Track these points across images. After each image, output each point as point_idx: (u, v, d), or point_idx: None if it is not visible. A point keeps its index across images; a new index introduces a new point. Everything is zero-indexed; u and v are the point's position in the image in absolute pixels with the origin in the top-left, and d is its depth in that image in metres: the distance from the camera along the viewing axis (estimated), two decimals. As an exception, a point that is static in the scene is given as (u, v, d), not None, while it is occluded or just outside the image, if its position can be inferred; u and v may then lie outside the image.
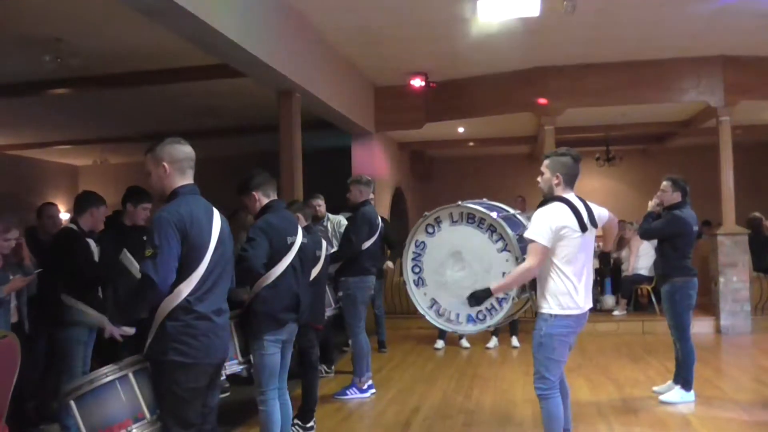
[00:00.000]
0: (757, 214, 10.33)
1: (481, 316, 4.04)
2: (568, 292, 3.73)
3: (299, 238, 4.29)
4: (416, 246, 4.25)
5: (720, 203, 9.51)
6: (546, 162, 3.91)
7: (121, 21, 6.57)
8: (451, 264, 4.01)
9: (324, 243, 5.60)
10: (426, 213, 4.29)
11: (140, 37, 7.06)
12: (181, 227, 2.98)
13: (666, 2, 7.27)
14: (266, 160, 7.46)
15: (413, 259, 4.27)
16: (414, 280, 4.28)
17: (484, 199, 4.40)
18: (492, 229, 3.97)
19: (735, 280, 9.24)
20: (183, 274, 2.99)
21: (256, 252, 3.94)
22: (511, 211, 4.48)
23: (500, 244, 3.92)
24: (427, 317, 4.23)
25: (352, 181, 6.40)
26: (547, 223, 3.68)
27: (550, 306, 3.76)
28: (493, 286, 3.77)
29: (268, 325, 4.05)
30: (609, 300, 10.17)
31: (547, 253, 3.68)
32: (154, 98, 10.10)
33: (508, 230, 3.93)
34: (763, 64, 9.47)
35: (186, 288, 2.99)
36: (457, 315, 4.10)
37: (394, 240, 8.12)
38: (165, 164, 3.12)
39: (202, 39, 5.55)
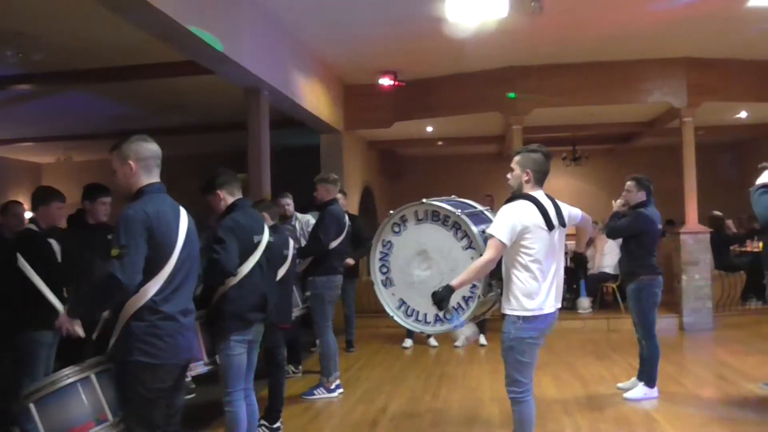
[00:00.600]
0: (718, 213, 10.53)
1: (448, 316, 4.00)
2: (535, 292, 3.64)
3: (266, 237, 4.27)
4: (383, 245, 4.19)
5: (683, 202, 9.66)
6: (516, 158, 3.84)
7: (85, 15, 6.45)
8: (417, 263, 3.97)
9: (291, 242, 5.59)
10: (391, 212, 4.22)
11: (105, 32, 6.93)
12: (148, 226, 2.94)
13: (631, 4, 7.36)
14: (234, 158, 7.40)
15: (381, 258, 4.22)
16: (382, 281, 4.22)
17: (453, 196, 4.36)
18: (457, 226, 3.90)
19: (697, 278, 9.40)
20: (149, 273, 2.95)
21: (228, 253, 3.90)
22: (480, 207, 4.42)
23: (465, 242, 3.86)
24: (396, 318, 4.17)
25: (319, 179, 6.38)
26: (509, 219, 3.60)
27: (514, 308, 3.68)
28: (453, 282, 3.67)
29: (234, 325, 4.01)
30: (584, 302, 10.09)
31: (503, 249, 3.59)
32: (119, 95, 9.94)
33: (472, 227, 3.85)
34: (725, 66, 9.65)
35: (152, 288, 2.96)
36: (425, 315, 4.06)
37: (366, 237, 8.09)
38: (131, 162, 3.07)
39: (168, 35, 5.47)
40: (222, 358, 4.05)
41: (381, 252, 4.22)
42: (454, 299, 3.83)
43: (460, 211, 3.91)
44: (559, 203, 3.88)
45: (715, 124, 12.10)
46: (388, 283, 4.19)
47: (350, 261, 8.66)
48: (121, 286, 2.84)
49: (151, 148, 3.14)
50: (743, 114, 11.63)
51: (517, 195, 3.79)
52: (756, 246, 10.09)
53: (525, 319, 3.65)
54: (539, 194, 3.76)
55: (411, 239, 4.09)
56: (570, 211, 3.97)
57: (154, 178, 3.14)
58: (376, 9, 7.25)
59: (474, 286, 3.87)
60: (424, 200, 4.07)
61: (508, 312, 3.72)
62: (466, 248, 3.85)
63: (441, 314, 3.97)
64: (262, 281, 4.20)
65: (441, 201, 4.08)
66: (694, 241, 9.47)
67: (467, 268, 3.67)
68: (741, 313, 9.82)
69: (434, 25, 7.76)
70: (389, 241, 4.18)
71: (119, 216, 2.99)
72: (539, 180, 3.79)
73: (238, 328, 4.02)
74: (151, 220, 2.96)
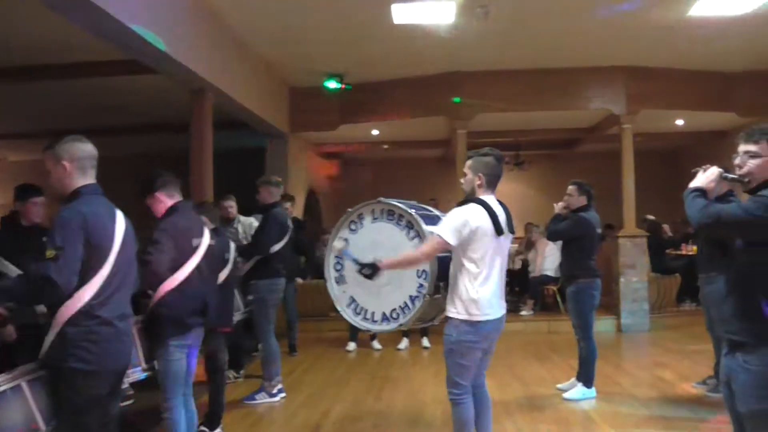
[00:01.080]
0: (651, 217, 10.81)
1: (394, 315, 4.00)
2: (479, 297, 3.63)
3: (205, 240, 4.20)
4: (341, 242, 4.21)
5: (622, 207, 9.89)
6: (469, 162, 3.83)
7: (22, 11, 6.25)
8: (370, 261, 3.97)
9: (233, 245, 5.52)
10: (349, 209, 4.25)
11: (44, 29, 6.71)
12: (84, 228, 2.86)
13: (572, 13, 7.51)
14: (177, 159, 7.26)
15: (336, 256, 4.23)
16: (336, 278, 4.25)
17: (413, 202, 4.36)
18: (409, 225, 3.93)
19: (635, 281, 9.64)
20: (85, 277, 2.87)
21: (161, 255, 3.82)
22: (436, 212, 4.46)
23: (416, 241, 3.89)
24: (345, 315, 4.19)
25: (262, 182, 6.32)
26: (457, 221, 3.61)
27: (458, 311, 3.67)
28: (382, 262, 3.69)
29: (173, 330, 3.93)
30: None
31: (442, 248, 3.61)
32: (58, 93, 9.65)
33: (423, 226, 3.88)
34: (663, 74, 9.94)
35: (88, 292, 2.88)
36: (373, 313, 4.08)
37: (306, 248, 8.08)
38: (65, 163, 2.99)
39: (110, 34, 5.34)
40: (160, 364, 3.96)
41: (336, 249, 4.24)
42: (400, 298, 3.85)
43: (414, 210, 3.93)
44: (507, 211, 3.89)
45: (653, 131, 12.43)
46: (340, 280, 4.23)
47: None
48: (56, 288, 2.76)
49: (86, 148, 3.06)
50: (680, 122, 11.98)
51: (469, 199, 3.78)
52: (690, 249, 10.40)
53: (468, 323, 3.65)
54: (490, 199, 3.76)
55: (366, 237, 4.12)
56: None
57: (90, 179, 3.06)
58: (323, 12, 7.23)
59: (421, 285, 3.89)
60: (380, 199, 4.09)
61: (452, 315, 3.71)
62: (416, 247, 3.86)
63: (388, 313, 3.98)
64: (202, 285, 4.14)
65: (397, 201, 4.10)
66: (632, 245, 9.72)
67: (403, 254, 3.68)
68: (676, 315, 10.11)
69: (381, 30, 7.79)
70: (345, 239, 4.18)
71: (55, 217, 2.91)
72: (491, 183, 3.79)
73: (176, 333, 3.94)
74: (87, 222, 2.88)
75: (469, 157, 3.88)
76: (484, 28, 7.78)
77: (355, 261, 3.81)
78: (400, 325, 4.08)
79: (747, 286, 2.71)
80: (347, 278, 4.18)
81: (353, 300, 4.17)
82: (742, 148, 2.80)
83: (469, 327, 3.65)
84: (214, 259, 4.50)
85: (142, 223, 3.71)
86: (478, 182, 3.77)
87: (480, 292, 3.64)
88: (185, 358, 4.02)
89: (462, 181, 3.88)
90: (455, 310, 3.69)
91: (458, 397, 3.78)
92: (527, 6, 7.24)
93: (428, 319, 4.06)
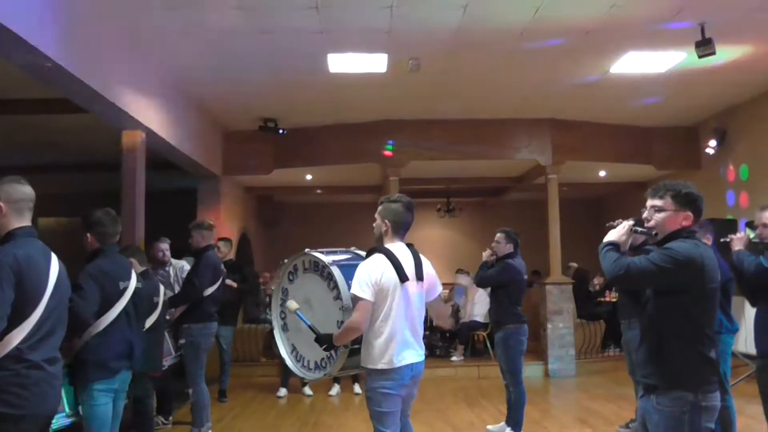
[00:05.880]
0: (574, 264, 11.14)
1: (323, 364, 4.04)
2: (386, 345, 3.59)
3: (133, 283, 4.16)
4: (282, 293, 4.29)
5: (548, 254, 10.19)
6: (379, 208, 3.85)
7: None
8: (304, 311, 4.00)
9: (162, 289, 5.46)
10: (285, 260, 4.30)
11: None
12: (17, 271, 2.82)
13: (500, 67, 7.83)
14: (108, 198, 7.16)
15: (280, 305, 4.29)
16: (281, 326, 4.30)
17: (352, 248, 4.38)
18: (330, 276, 3.95)
19: (561, 327, 9.88)
20: (15, 320, 2.82)
21: (85, 301, 3.74)
22: (361, 258, 4.45)
23: (335, 292, 3.90)
24: (288, 362, 4.22)
25: (194, 226, 6.29)
26: (366, 277, 3.57)
27: (368, 360, 3.64)
28: (335, 334, 3.67)
29: (98, 374, 3.86)
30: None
31: (370, 308, 3.57)
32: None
33: (339, 278, 3.86)
34: (586, 128, 10.42)
35: (18, 335, 2.82)
36: (308, 361, 4.12)
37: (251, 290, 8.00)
38: (1, 204, 2.96)
39: (41, 72, 5.29)
40: (85, 409, 3.87)
41: (280, 299, 4.30)
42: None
43: (332, 261, 3.96)
44: (424, 261, 3.87)
45: (578, 181, 12.92)
46: (285, 328, 4.27)
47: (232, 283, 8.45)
48: None
49: (25, 190, 3.04)
50: (602, 173, 12.50)
51: (373, 249, 3.77)
52: (614, 296, 10.73)
53: (378, 371, 3.61)
54: (397, 246, 3.74)
55: (300, 288, 4.18)
56: (436, 283, 3.97)
57: (26, 221, 3.03)
58: (259, 58, 7.33)
59: None
60: (306, 250, 4.13)
61: (365, 365, 3.70)
62: (336, 298, 3.88)
63: (319, 361, 4.00)
64: (128, 328, 4.09)
65: (323, 251, 4.13)
66: (559, 292, 9.98)
67: (344, 326, 3.69)
68: (601, 360, 10.35)
69: (317, 77, 7.94)
70: (286, 289, 4.26)
71: None
72: (397, 231, 3.78)
73: (101, 377, 3.88)
74: (20, 265, 2.85)
75: (380, 203, 3.89)
76: (416, 80, 8.03)
77: (311, 328, 3.84)
78: (326, 374, 4.10)
79: (657, 331, 2.89)
80: (289, 326, 4.24)
81: (294, 348, 4.22)
82: (650, 203, 3.03)
83: (380, 374, 3.61)
84: (142, 302, 4.45)
85: (74, 264, 3.67)
86: (385, 228, 3.79)
87: (386, 342, 3.60)
88: (111, 402, 3.94)
89: (374, 225, 3.89)
90: (366, 360, 3.67)
91: None
92: (456, 60, 7.51)
93: (354, 367, 4.05)
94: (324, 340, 3.70)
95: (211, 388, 6.81)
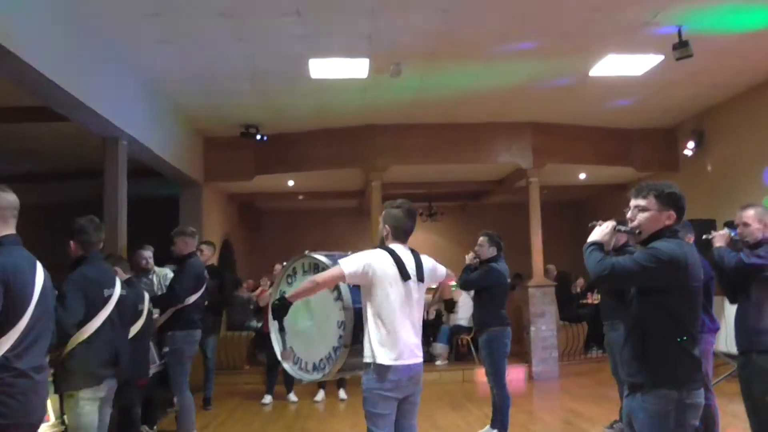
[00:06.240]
0: (551, 266, 11.21)
1: (321, 365, 4.06)
2: (386, 343, 3.61)
3: (117, 290, 4.14)
4: (280, 295, 4.25)
5: (530, 257, 10.24)
6: (383, 213, 3.91)
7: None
8: (302, 313, 4.05)
9: (147, 296, 5.43)
10: (285, 263, 4.36)
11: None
12: (4, 279, 2.80)
13: (480, 72, 7.88)
14: (90, 207, 7.10)
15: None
16: (278, 328, 4.30)
17: (350, 252, 4.43)
18: None
19: (544, 329, 9.93)
20: (2, 329, 2.79)
21: (68, 311, 3.72)
22: None
23: (335, 293, 3.98)
24: (286, 366, 4.24)
25: (177, 232, 6.25)
26: (360, 259, 3.65)
27: (367, 355, 3.66)
28: (288, 293, 3.77)
29: (83, 382, 3.83)
30: (438, 347, 10.41)
31: (338, 278, 3.65)
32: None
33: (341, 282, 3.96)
34: (566, 131, 10.49)
35: (5, 344, 2.79)
36: (306, 363, 4.15)
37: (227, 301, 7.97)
38: None
39: (21, 79, 5.25)
40: (71, 418, 3.83)
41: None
42: (324, 350, 3.90)
43: (332, 263, 4.00)
44: (424, 259, 3.92)
45: (558, 184, 13.01)
46: (281, 330, 4.27)
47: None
48: None
49: (8, 198, 3.01)
50: (582, 175, 12.60)
51: (378, 246, 3.84)
52: (596, 298, 10.81)
53: (377, 369, 3.62)
54: (398, 247, 3.80)
55: None
56: (437, 269, 4.03)
57: (10, 229, 3.00)
58: (239, 64, 7.32)
59: (340, 336, 3.93)
60: (306, 252, 4.18)
61: (365, 360, 3.70)
62: (336, 299, 3.94)
63: (317, 362, 4.02)
64: (114, 336, 4.06)
65: (322, 254, 4.18)
66: (542, 294, 10.04)
67: (303, 282, 3.73)
68: (584, 362, 10.43)
69: (298, 83, 7.94)
70: (284, 291, 4.27)
71: None
72: (398, 235, 3.83)
73: (87, 385, 3.84)
74: (8, 274, 2.82)
75: (384, 207, 3.97)
76: (398, 84, 8.06)
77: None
78: (325, 375, 4.12)
79: (642, 330, 2.92)
80: (287, 329, 4.25)
81: (292, 350, 4.23)
82: (633, 202, 3.06)
83: (378, 374, 3.61)
84: (127, 309, 4.42)
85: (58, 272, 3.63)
86: (385, 233, 3.85)
87: (386, 338, 3.62)
88: (97, 411, 3.91)
89: (379, 228, 3.96)
90: (366, 355, 3.68)
91: None
92: (437, 64, 7.55)
93: (354, 369, 4.06)
94: (278, 309, 3.75)
95: (196, 395, 6.75)
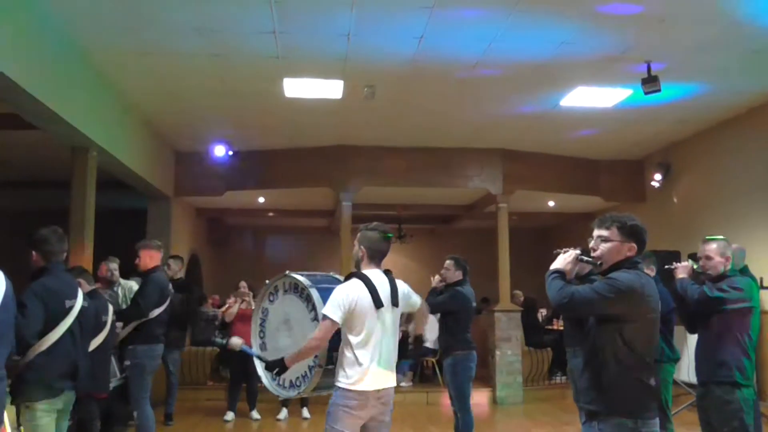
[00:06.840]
0: (518, 292, 11.31)
1: (297, 383, 4.12)
2: (357, 367, 3.63)
3: (79, 302, 4.10)
4: (262, 313, 4.42)
5: (497, 282, 10.31)
6: (358, 234, 3.91)
7: None
8: (283, 330, 4.15)
9: (111, 308, 5.37)
10: (267, 281, 4.43)
11: None
12: None
13: (453, 98, 7.98)
14: (57, 217, 7.02)
15: (260, 324, 4.42)
16: (259, 345, 4.39)
17: (332, 273, 4.54)
18: (309, 298, 4.07)
19: (509, 354, 9.97)
20: None
21: (28, 321, 3.67)
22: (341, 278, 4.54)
23: (313, 314, 4.02)
24: (264, 381, 4.25)
25: (142, 245, 6.20)
26: (338, 299, 3.63)
27: (338, 379, 3.68)
28: (286, 358, 3.72)
29: (41, 393, 3.79)
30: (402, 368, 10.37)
31: (333, 328, 3.63)
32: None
33: (317, 300, 3.98)
34: (535, 158, 10.64)
35: None
36: (284, 380, 4.18)
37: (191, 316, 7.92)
38: None
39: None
40: (27, 429, 3.78)
41: (260, 318, 4.44)
42: (301, 368, 3.92)
43: (311, 283, 4.05)
44: (399, 283, 3.92)
45: (528, 211, 13.15)
46: (263, 347, 4.37)
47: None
48: None
49: None
50: (552, 203, 12.75)
51: (351, 274, 3.83)
52: (561, 324, 10.90)
53: (347, 390, 3.64)
54: (373, 272, 3.80)
55: (280, 308, 4.32)
56: (411, 296, 4.04)
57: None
58: (212, 81, 7.32)
59: (316, 356, 3.94)
60: (287, 272, 4.25)
61: (337, 384, 3.70)
62: (313, 320, 3.99)
63: (293, 380, 4.05)
64: (73, 348, 4.01)
65: (302, 274, 4.23)
66: (507, 319, 10.09)
67: (301, 347, 3.74)
68: (548, 387, 10.47)
69: (272, 101, 7.96)
70: (266, 309, 4.40)
71: None
72: (373, 258, 3.84)
73: (44, 396, 3.80)
74: None
75: (360, 229, 3.97)
76: (371, 107, 8.13)
77: (259, 358, 3.96)
78: (300, 392, 4.17)
79: (599, 359, 2.98)
80: (268, 345, 4.37)
81: None
82: (596, 233, 3.13)
83: (346, 393, 3.63)
84: (88, 322, 4.38)
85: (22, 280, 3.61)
86: (361, 254, 3.86)
87: (357, 362, 3.64)
88: (54, 423, 3.86)
89: (354, 251, 3.96)
90: (338, 379, 3.69)
91: None
92: (411, 89, 7.63)
93: (329, 387, 4.09)
94: (275, 365, 3.75)
95: (157, 411, 6.66)
